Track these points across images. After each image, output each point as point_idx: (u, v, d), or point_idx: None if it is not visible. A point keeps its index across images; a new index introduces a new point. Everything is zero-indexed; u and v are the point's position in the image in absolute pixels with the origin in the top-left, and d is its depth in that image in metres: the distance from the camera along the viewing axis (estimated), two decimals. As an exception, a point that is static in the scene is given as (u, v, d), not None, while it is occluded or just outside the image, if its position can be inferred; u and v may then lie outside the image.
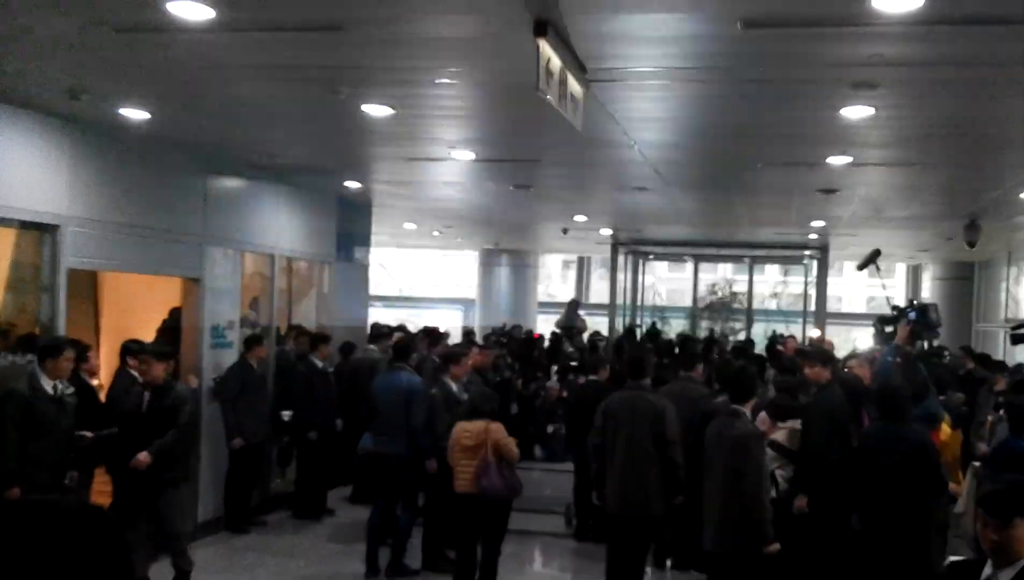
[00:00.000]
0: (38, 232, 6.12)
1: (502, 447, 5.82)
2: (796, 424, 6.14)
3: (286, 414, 8.14)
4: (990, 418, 7.56)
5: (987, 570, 2.82)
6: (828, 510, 5.79)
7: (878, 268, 6.48)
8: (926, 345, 7.34)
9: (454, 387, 6.69)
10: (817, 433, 5.92)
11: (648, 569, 5.95)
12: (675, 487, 5.67)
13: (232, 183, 8.21)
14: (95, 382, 6.69)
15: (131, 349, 6.72)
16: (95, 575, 1.15)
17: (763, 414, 5.97)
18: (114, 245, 6.66)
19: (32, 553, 1.08)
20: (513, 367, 11.80)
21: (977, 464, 6.93)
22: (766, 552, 5.06)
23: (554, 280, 29.15)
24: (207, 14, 3.99)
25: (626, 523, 5.72)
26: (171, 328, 7.91)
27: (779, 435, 6.11)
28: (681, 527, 6.51)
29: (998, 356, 11.59)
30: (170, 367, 6.13)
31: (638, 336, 13.78)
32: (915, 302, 7.20)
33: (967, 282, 16.75)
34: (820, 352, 6.96)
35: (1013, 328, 7.35)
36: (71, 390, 5.66)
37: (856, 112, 5.48)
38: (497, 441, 5.81)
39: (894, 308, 6.96)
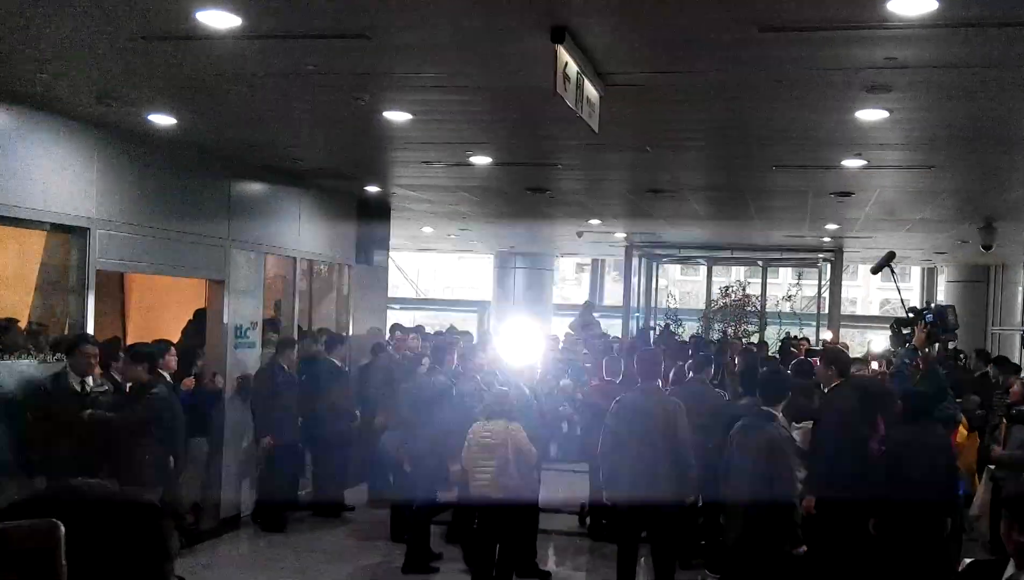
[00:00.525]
0: (67, 235, 6.26)
1: (522, 448, 5.89)
2: (811, 425, 6.17)
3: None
4: (1005, 421, 7.54)
5: (1009, 570, 2.80)
6: (842, 512, 5.76)
7: (892, 271, 6.48)
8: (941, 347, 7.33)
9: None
10: (826, 434, 5.93)
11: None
12: (687, 487, 5.70)
13: (256, 187, 8.34)
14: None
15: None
16: (135, 559, 1.19)
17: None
18: (141, 247, 6.80)
19: (72, 538, 1.08)
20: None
21: (992, 467, 6.93)
22: (794, 553, 5.08)
23: (568, 283, 29.19)
24: (233, 22, 4.09)
25: (637, 521, 5.76)
26: (195, 329, 8.05)
27: (794, 436, 6.13)
28: (696, 526, 6.55)
29: (1014, 359, 11.54)
30: (199, 367, 6.16)
31: (651, 338, 13.81)
32: (932, 304, 7.17)
33: (982, 285, 16.66)
34: (827, 354, 6.90)
35: (1027, 330, 7.32)
36: (104, 388, 5.75)
37: (871, 115, 5.49)
38: (517, 442, 5.89)
39: (911, 310, 6.94)
